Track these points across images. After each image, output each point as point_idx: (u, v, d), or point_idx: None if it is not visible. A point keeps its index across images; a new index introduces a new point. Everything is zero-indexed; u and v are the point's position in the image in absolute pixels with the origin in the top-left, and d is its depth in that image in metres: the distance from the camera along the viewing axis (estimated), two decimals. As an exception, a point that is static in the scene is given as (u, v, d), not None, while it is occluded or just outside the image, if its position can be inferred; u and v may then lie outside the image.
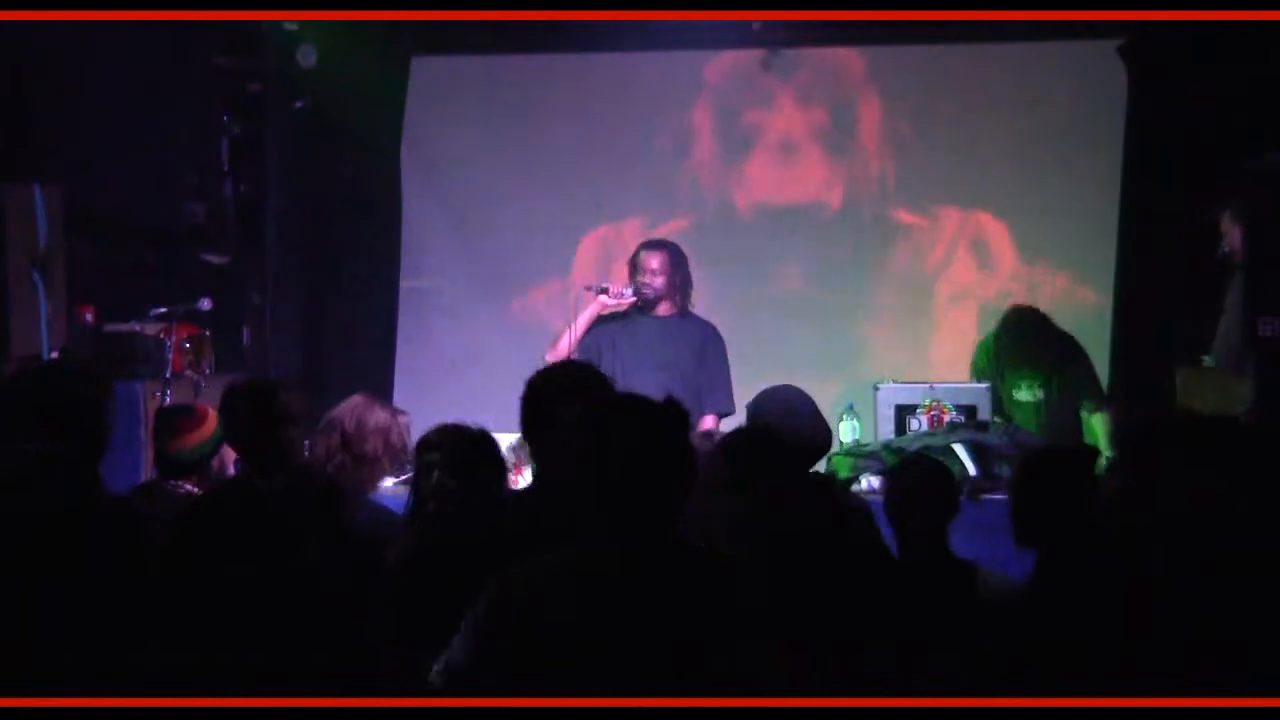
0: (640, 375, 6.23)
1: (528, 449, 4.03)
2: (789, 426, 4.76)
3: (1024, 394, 6.94)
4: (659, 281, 6.42)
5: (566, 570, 2.99)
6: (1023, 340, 6.95)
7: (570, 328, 6.41)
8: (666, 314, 6.48)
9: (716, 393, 6.32)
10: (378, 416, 4.89)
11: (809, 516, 3.28)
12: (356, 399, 4.95)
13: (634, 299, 6.43)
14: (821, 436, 5.09)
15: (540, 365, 6.30)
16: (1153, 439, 2.66)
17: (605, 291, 6.40)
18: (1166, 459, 2.58)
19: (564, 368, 4.19)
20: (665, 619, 2.87)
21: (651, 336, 6.40)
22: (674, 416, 3.07)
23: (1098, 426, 6.89)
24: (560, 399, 3.74)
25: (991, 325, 7.30)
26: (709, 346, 6.48)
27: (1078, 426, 6.91)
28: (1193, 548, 2.47)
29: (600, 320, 6.53)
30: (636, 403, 3.13)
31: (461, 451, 4.05)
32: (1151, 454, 2.61)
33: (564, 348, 6.38)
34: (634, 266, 6.50)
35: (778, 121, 8.44)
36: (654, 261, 6.43)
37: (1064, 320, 7.16)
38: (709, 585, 2.95)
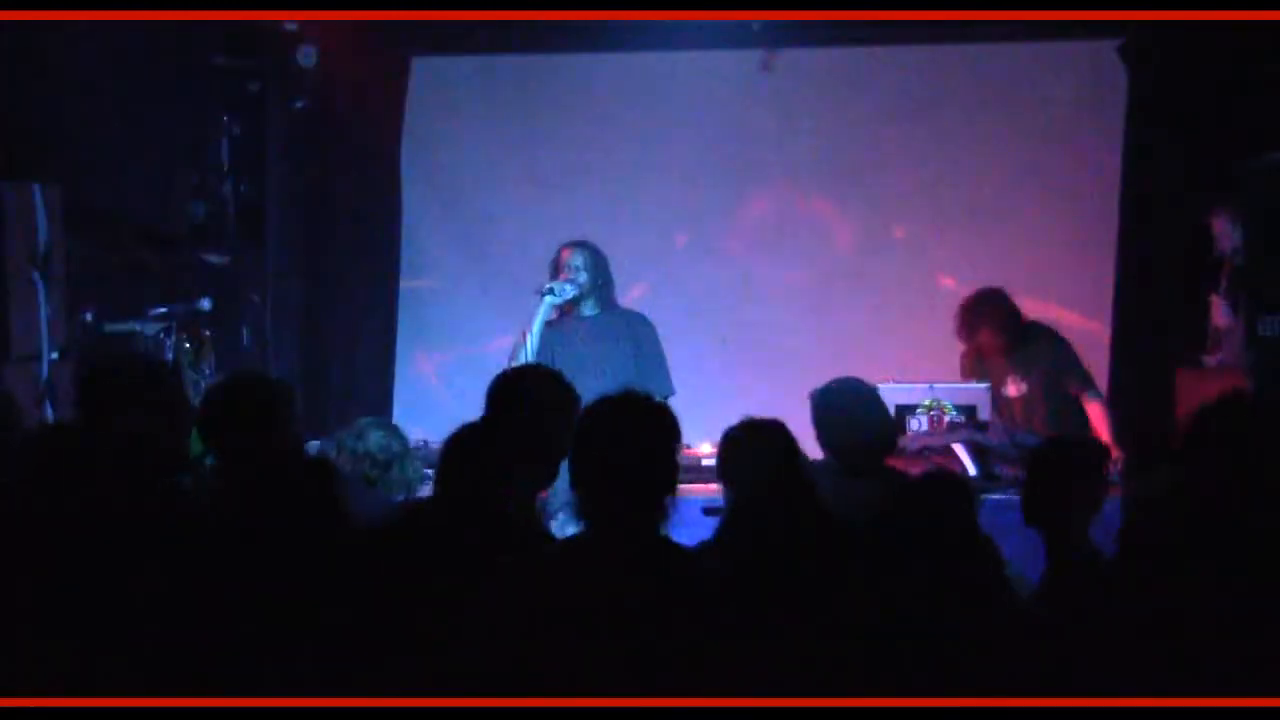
0: (580, 377, 6.28)
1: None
2: (855, 420, 4.79)
3: (1009, 389, 6.95)
4: (584, 278, 6.51)
5: (559, 561, 3.03)
6: (987, 329, 6.98)
7: (526, 339, 6.46)
8: (593, 312, 6.56)
9: (655, 378, 6.38)
10: None
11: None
12: None
13: (574, 294, 6.52)
14: (889, 430, 5.11)
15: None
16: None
17: (551, 291, 6.47)
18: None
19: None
20: (652, 611, 2.90)
21: (585, 337, 6.49)
22: (665, 416, 3.17)
23: (1094, 415, 6.89)
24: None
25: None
26: (641, 335, 6.57)
27: (1075, 414, 6.91)
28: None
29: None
30: (630, 402, 3.20)
31: None
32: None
33: (523, 360, 6.42)
34: (555, 266, 6.59)
35: (777, 122, 8.44)
36: (577, 259, 6.55)
37: (1064, 320, 7.17)
38: (692, 578, 2.98)
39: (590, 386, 6.11)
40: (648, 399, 3.24)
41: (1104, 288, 8.03)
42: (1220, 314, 6.72)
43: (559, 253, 6.66)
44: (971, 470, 6.12)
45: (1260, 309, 6.02)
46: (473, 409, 7.46)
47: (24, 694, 2.77)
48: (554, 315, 6.53)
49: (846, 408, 4.91)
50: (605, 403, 3.25)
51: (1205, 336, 6.89)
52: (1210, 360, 6.82)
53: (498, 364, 6.93)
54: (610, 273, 6.66)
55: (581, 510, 3.15)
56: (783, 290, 8.45)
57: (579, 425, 3.20)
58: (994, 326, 6.96)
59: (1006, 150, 8.28)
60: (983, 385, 6.76)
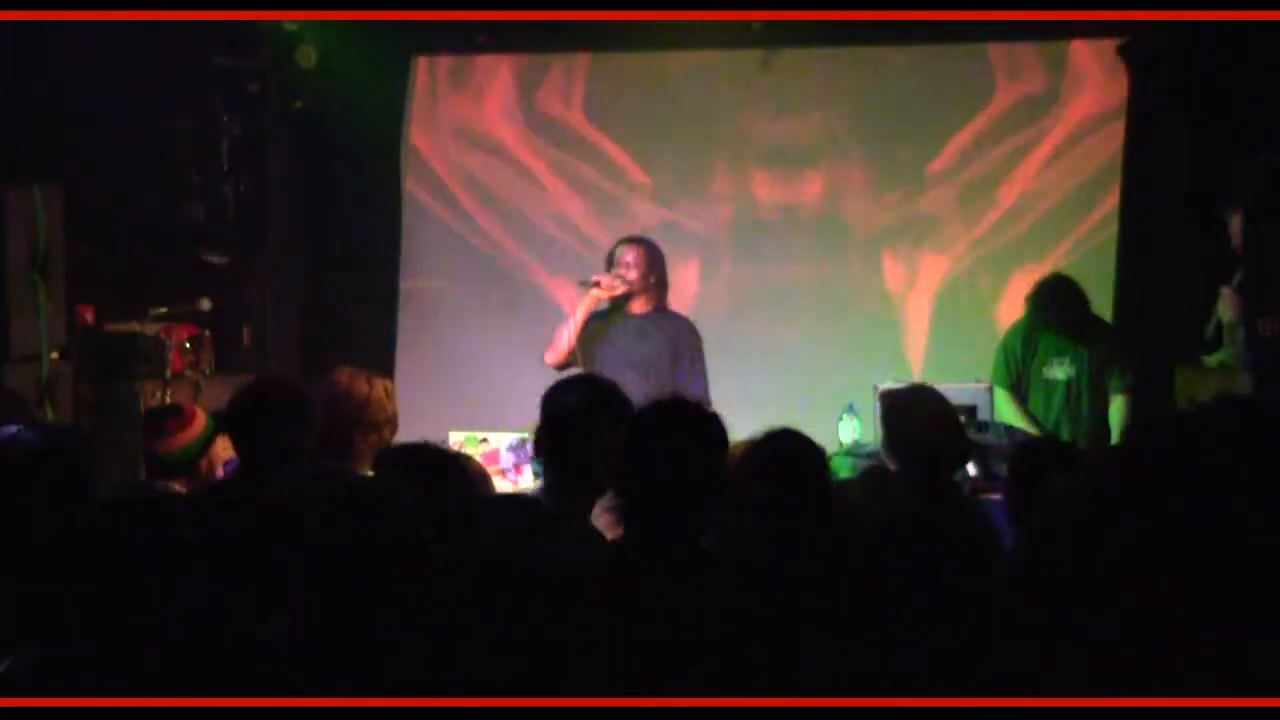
0: (618, 374, 6.22)
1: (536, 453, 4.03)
2: (921, 432, 4.76)
3: (1056, 371, 6.89)
4: (633, 275, 6.43)
5: (601, 569, 3.03)
6: (1060, 307, 6.85)
7: (568, 328, 6.39)
8: (642, 311, 6.47)
9: (693, 389, 6.28)
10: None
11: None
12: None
13: (625, 288, 6.44)
14: (959, 446, 5.03)
15: (542, 367, 6.39)
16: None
17: (597, 284, 6.40)
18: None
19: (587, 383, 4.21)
20: (690, 621, 2.89)
21: (628, 335, 6.40)
22: (714, 425, 3.14)
23: (1116, 413, 6.84)
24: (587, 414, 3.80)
25: (990, 325, 7.30)
26: (684, 343, 6.46)
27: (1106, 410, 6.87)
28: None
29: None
30: (679, 410, 3.17)
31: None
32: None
33: (563, 347, 6.36)
34: (610, 262, 6.50)
35: (777, 122, 8.44)
36: (629, 255, 6.45)
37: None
38: (731, 588, 2.97)
39: (630, 387, 6.09)
40: (697, 406, 3.20)
41: (1104, 288, 8.03)
42: (1230, 307, 6.69)
43: (615, 248, 6.54)
44: (971, 470, 6.11)
45: (1260, 309, 6.02)
46: (473, 410, 7.47)
47: (24, 694, 2.76)
48: (605, 306, 6.43)
49: (918, 419, 4.84)
50: (654, 408, 3.22)
51: (1209, 331, 6.87)
52: (1211, 359, 6.82)
53: (498, 364, 6.94)
54: (665, 272, 6.55)
55: (622, 517, 3.12)
56: (783, 289, 8.44)
57: (627, 429, 3.16)
58: (1070, 309, 6.88)
59: (1006, 150, 8.28)
60: (983, 385, 6.74)
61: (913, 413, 4.91)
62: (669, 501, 3.04)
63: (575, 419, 3.84)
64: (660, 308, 6.51)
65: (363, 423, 4.68)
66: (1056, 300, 6.87)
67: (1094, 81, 8.14)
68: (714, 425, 3.17)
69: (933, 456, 4.67)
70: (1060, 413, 6.83)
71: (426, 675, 2.88)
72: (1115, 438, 6.75)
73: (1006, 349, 6.99)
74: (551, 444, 3.88)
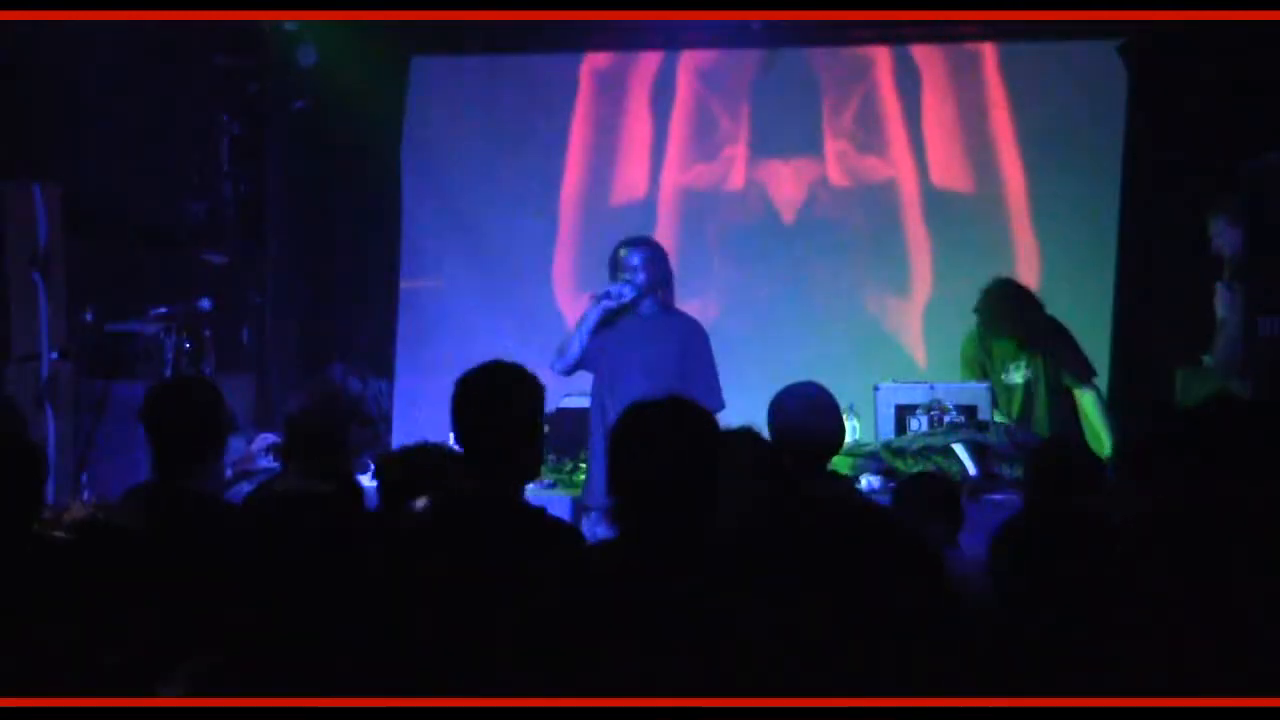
0: (628, 377, 6.18)
1: None
2: (808, 423, 4.75)
3: (1014, 375, 6.92)
4: (642, 277, 6.37)
5: (597, 566, 3.03)
6: (1005, 311, 6.91)
7: (578, 336, 6.31)
8: (649, 311, 6.42)
9: (705, 390, 6.23)
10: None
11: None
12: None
13: (633, 296, 6.37)
14: (836, 435, 5.05)
15: (543, 369, 6.35)
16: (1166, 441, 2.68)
17: (608, 296, 6.33)
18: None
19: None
20: (687, 617, 2.88)
21: (637, 337, 6.32)
22: (703, 423, 3.11)
23: (1090, 407, 6.88)
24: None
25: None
26: (694, 343, 6.39)
27: (1073, 407, 6.90)
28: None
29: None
30: (668, 408, 3.15)
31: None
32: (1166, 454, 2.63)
33: (573, 357, 6.29)
34: (614, 265, 6.44)
35: (777, 124, 8.44)
36: (636, 258, 6.38)
37: (1063, 320, 7.16)
38: (728, 584, 2.96)
39: (636, 388, 6.05)
40: (689, 405, 3.16)
41: (1104, 288, 8.03)
42: (1221, 305, 6.72)
43: (616, 250, 6.40)
44: (971, 470, 6.12)
45: (1260, 309, 6.03)
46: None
47: (24, 694, 2.77)
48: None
49: (798, 411, 4.84)
50: (643, 406, 3.18)
51: (1208, 330, 6.88)
52: (1209, 359, 6.83)
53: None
54: (669, 270, 6.49)
55: (615, 516, 3.09)
56: (783, 289, 8.44)
57: (616, 428, 3.14)
58: (1015, 315, 6.91)
59: (1007, 150, 8.28)
60: (983, 385, 6.75)
61: (792, 404, 4.90)
62: (661, 501, 3.02)
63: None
64: (667, 306, 6.46)
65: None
66: (1000, 309, 6.94)
67: (1094, 81, 8.13)
68: (706, 423, 3.14)
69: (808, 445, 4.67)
70: (1020, 415, 6.86)
71: (414, 675, 2.89)
72: (1104, 433, 6.78)
73: (966, 356, 7.07)
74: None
